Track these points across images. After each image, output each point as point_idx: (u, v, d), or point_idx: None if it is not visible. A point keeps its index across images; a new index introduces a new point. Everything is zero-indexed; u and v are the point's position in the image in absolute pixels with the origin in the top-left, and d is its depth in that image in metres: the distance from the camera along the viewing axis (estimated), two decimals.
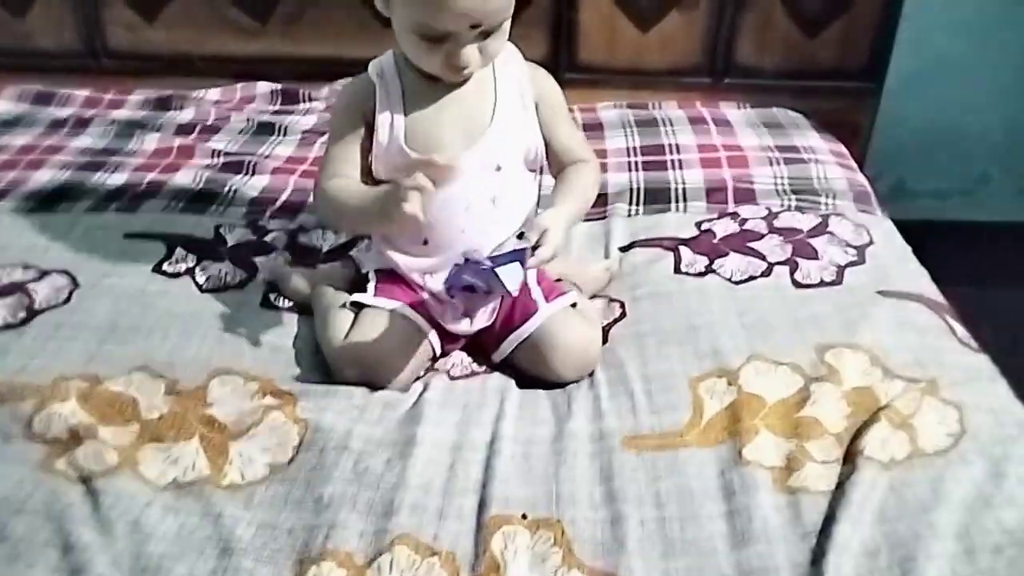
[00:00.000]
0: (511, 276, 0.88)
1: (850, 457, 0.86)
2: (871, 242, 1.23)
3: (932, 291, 1.14)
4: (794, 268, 1.16)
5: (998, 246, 2.03)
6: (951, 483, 0.83)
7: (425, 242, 1.01)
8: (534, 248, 0.90)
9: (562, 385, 0.99)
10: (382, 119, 0.98)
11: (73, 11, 1.76)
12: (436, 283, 1.01)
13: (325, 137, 1.55)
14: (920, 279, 1.17)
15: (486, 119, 0.99)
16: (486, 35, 0.92)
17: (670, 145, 1.54)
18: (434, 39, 0.91)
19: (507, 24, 0.94)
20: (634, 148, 1.54)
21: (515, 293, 0.90)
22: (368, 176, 1.01)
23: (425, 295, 1.02)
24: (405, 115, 0.98)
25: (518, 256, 0.89)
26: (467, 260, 0.91)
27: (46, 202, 1.34)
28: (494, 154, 0.99)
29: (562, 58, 1.71)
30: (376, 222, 0.97)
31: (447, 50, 0.92)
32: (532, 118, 1.03)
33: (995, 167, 2.11)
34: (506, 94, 1.00)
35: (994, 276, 1.95)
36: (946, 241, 1.75)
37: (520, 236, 0.92)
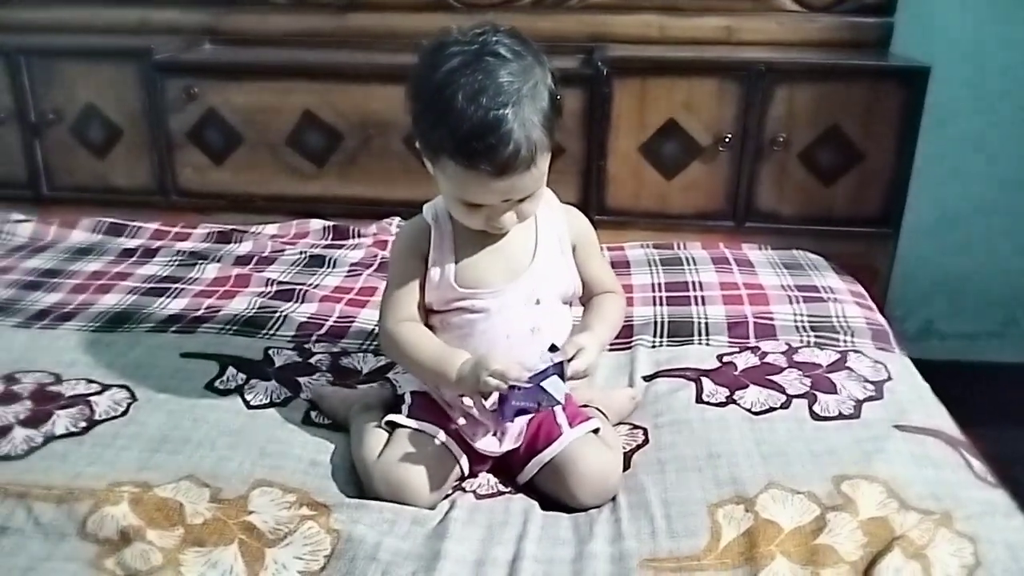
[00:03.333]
0: (556, 388, 0.96)
1: None
2: (889, 378, 1.26)
3: (949, 426, 1.17)
4: (813, 401, 1.19)
5: None
6: None
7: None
8: (569, 361, 0.98)
9: (585, 509, 1.02)
10: (435, 259, 1.07)
11: (148, 154, 1.96)
12: (472, 408, 1.07)
13: (372, 270, 1.69)
14: (937, 415, 1.19)
15: (527, 259, 1.07)
16: (521, 200, 1.01)
17: (693, 282, 1.61)
18: (473, 205, 1.00)
19: (542, 190, 1.03)
20: (659, 284, 1.62)
21: (563, 402, 0.98)
22: (421, 308, 1.09)
23: (459, 418, 1.08)
24: (455, 255, 1.07)
25: (556, 370, 0.96)
26: (511, 387, 0.97)
27: (111, 323, 1.45)
28: (534, 290, 1.07)
29: (592, 202, 1.83)
30: (442, 383, 1.06)
31: (486, 214, 1.01)
32: (569, 261, 1.11)
33: (1021, 309, 2.14)
34: (546, 238, 1.09)
35: None
36: (976, 382, 1.78)
37: (552, 348, 0.99)
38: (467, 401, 1.06)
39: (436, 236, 1.07)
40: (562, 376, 0.97)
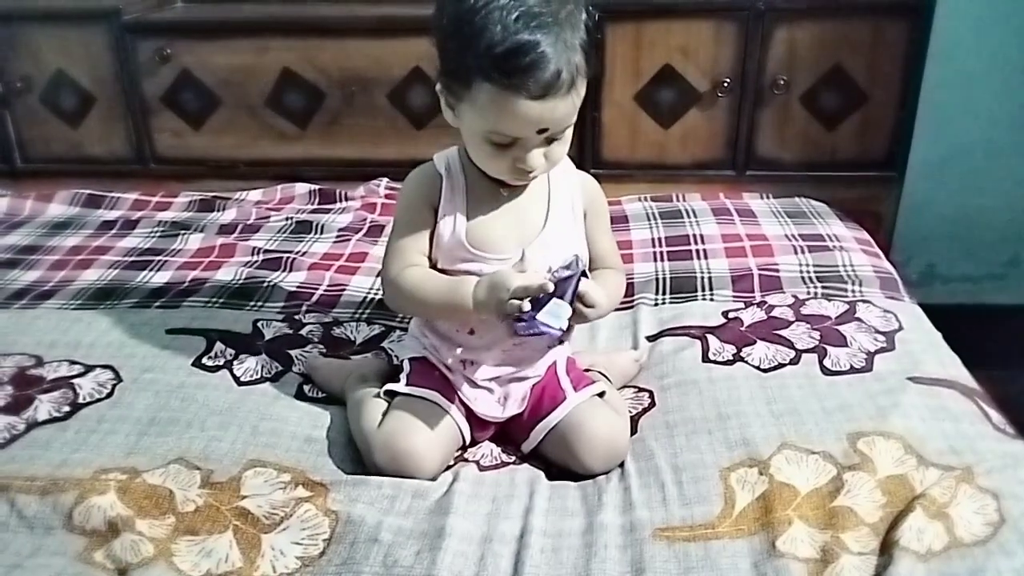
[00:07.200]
0: (554, 316, 0.92)
1: (886, 548, 0.85)
2: (900, 328, 1.23)
3: (964, 376, 1.13)
4: (823, 355, 1.16)
5: None
6: (992, 575, 0.80)
7: (471, 332, 1.04)
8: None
9: (593, 476, 0.99)
10: (446, 212, 1.02)
11: (123, 120, 1.88)
12: (474, 372, 1.03)
13: (361, 234, 1.63)
14: (952, 364, 1.16)
15: (539, 225, 1.03)
16: (551, 140, 0.95)
17: (694, 235, 1.57)
18: (502, 145, 0.94)
19: (570, 131, 0.97)
20: (659, 239, 1.57)
21: (564, 328, 0.93)
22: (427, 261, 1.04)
23: (461, 383, 1.04)
24: (467, 213, 1.02)
25: (563, 288, 0.93)
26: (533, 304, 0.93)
27: (92, 300, 1.40)
28: (544, 256, 1.02)
29: (587, 155, 1.76)
30: (458, 315, 1.01)
31: (514, 155, 0.95)
32: (580, 228, 1.07)
33: None
34: (559, 203, 1.04)
35: None
36: (979, 325, 1.74)
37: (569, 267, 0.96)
38: (469, 370, 1.01)
39: (447, 188, 1.02)
40: (573, 291, 0.93)
